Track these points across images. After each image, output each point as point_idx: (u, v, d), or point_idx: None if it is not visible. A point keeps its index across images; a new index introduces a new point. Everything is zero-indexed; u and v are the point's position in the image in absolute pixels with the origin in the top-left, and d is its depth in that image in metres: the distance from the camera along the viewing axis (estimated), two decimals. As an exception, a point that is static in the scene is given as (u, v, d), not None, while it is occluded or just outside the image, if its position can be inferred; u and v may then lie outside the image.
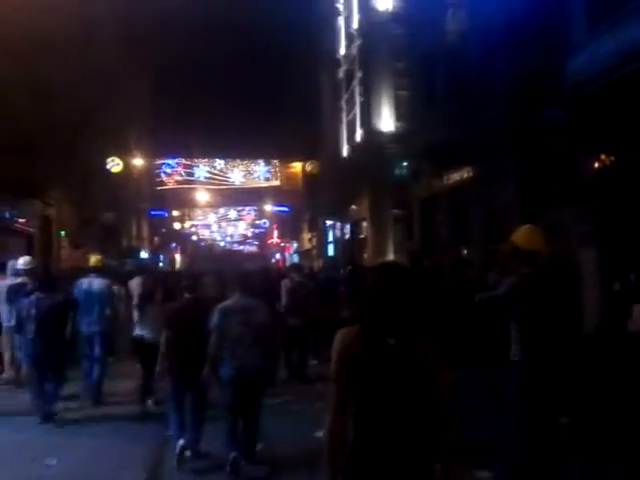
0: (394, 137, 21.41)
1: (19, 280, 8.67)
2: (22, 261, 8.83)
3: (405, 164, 20.14)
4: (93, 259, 9.18)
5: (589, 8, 9.32)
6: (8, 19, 15.54)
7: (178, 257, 59.71)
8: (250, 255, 71.32)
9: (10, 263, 9.15)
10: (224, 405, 5.47)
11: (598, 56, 9.02)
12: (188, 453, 5.54)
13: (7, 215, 16.71)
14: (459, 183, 15.24)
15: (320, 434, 2.91)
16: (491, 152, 13.19)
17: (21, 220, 18.43)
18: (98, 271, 8.78)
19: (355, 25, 24.93)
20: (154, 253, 45.26)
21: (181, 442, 5.52)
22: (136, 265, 13.23)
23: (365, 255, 23.77)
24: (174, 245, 58.37)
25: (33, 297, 7.13)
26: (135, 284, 9.69)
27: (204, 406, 5.70)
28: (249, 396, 5.42)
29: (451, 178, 15.67)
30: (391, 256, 21.03)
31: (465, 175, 14.84)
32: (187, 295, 6.07)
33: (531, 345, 3.96)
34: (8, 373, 8.88)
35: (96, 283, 8.37)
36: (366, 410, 2.27)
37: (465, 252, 15.91)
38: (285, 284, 9.84)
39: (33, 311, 6.95)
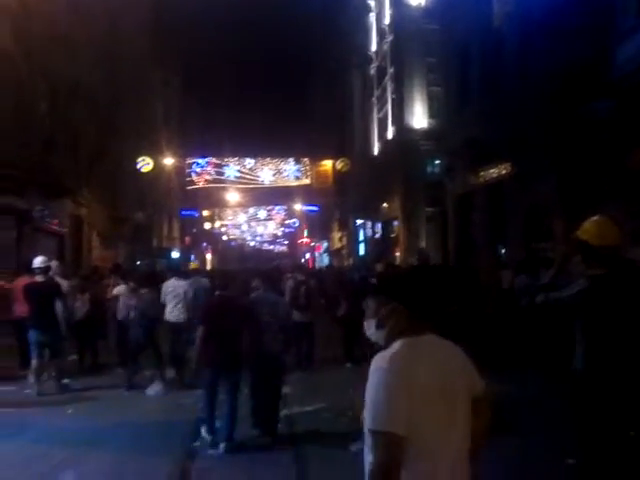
0: (427, 134, 20.95)
1: (37, 279, 8.62)
2: (37, 260, 8.71)
3: (438, 161, 19.67)
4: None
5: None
6: (38, 19, 15.57)
7: (209, 257, 59.98)
8: (279, 255, 71.37)
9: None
10: (253, 385, 6.22)
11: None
12: (221, 447, 5.76)
13: (38, 215, 16.73)
14: (496, 179, 14.72)
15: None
16: (531, 147, 12.68)
17: (53, 220, 18.50)
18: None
19: (387, 21, 24.52)
20: (185, 252, 45.45)
21: (209, 437, 5.91)
22: (167, 265, 13.05)
23: (397, 254, 23.34)
24: (205, 245, 58.61)
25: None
26: (171, 286, 9.33)
27: (237, 395, 6.05)
28: (272, 376, 6.18)
29: (488, 174, 15.16)
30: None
31: (503, 171, 14.32)
32: (218, 293, 6.61)
33: (598, 356, 3.49)
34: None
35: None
36: None
37: (503, 251, 15.39)
38: (288, 282, 10.31)
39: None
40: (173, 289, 9.14)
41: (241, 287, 9.28)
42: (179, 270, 10.33)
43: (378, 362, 2.00)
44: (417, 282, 2.27)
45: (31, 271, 8.80)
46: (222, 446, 5.74)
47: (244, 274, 11.38)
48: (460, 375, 2.07)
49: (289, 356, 6.96)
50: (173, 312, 9.02)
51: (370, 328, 2.23)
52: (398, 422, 1.88)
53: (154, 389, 8.18)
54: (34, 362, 8.29)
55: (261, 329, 6.06)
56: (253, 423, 6.18)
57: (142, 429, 6.44)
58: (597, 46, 9.73)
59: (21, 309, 8.99)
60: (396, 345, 2.04)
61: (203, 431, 6.01)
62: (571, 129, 11.24)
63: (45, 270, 8.55)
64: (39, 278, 8.46)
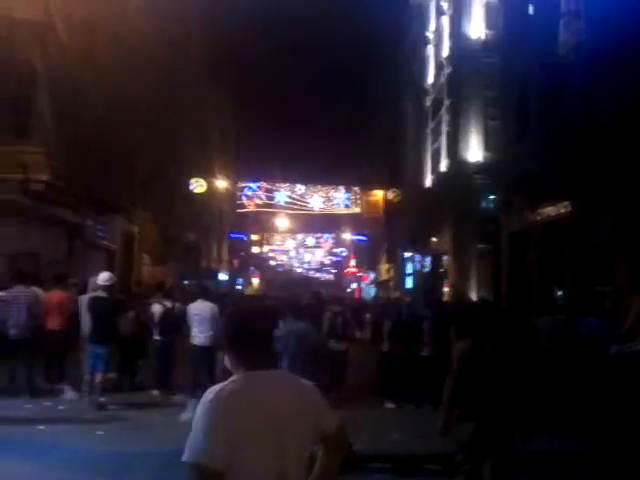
0: (482, 168, 20.47)
1: (100, 294, 8.82)
2: (102, 277, 8.83)
3: (493, 196, 19.14)
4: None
5: None
6: (98, 39, 16.00)
7: (256, 280, 60.23)
8: (325, 283, 71.10)
9: (91, 279, 9.50)
10: None
11: None
12: None
13: (90, 229, 17.00)
14: (555, 217, 14.14)
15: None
16: (592, 184, 12.11)
17: (105, 235, 18.79)
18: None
19: (445, 53, 24.32)
20: (233, 275, 45.72)
21: None
22: (200, 286, 12.86)
23: (445, 290, 22.73)
24: (252, 269, 58.91)
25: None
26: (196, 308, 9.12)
27: None
28: None
29: (545, 212, 14.59)
30: (473, 293, 19.97)
31: (562, 209, 13.74)
32: None
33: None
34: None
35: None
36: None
37: (560, 293, 14.69)
38: (327, 314, 10.63)
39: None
40: (199, 312, 8.92)
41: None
42: (208, 291, 10.03)
43: (206, 395, 2.01)
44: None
45: (62, 284, 8.94)
46: None
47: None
48: (296, 413, 2.04)
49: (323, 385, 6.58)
50: (197, 335, 8.80)
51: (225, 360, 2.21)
52: (213, 455, 1.90)
53: (188, 414, 7.94)
54: (88, 376, 8.39)
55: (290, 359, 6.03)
56: None
57: (173, 459, 6.17)
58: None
59: (53, 322, 9.08)
60: (230, 379, 2.06)
61: None
62: (633, 166, 10.69)
63: (110, 287, 8.74)
64: (102, 294, 8.65)
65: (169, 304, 9.53)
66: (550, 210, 14.43)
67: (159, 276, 21.86)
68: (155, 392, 9.10)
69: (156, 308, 9.62)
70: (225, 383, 2.04)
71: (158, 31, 21.17)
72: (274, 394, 2.04)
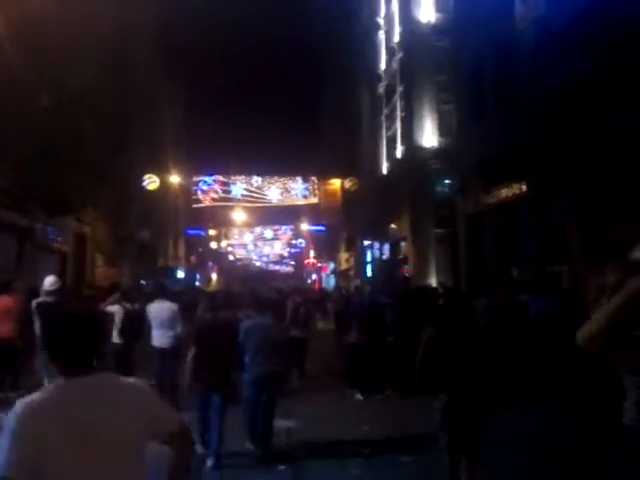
0: (437, 153, 20.56)
1: (47, 299, 8.63)
2: (47, 282, 8.49)
3: (449, 181, 19.25)
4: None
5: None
6: (41, 29, 15.30)
7: (214, 276, 59.57)
8: (285, 275, 70.88)
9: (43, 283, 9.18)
10: (246, 402, 6.50)
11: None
12: (210, 462, 6.09)
13: (40, 232, 16.36)
14: (510, 199, 14.26)
15: None
16: (548, 165, 12.23)
17: (55, 238, 18.13)
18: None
19: (396, 39, 24.28)
20: (191, 272, 45.06)
21: (202, 450, 6.21)
22: (157, 285, 12.49)
23: (407, 276, 22.80)
24: (210, 264, 58.22)
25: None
26: (154, 309, 8.76)
27: (225, 410, 6.32)
28: (266, 395, 6.47)
29: (501, 194, 14.70)
30: (433, 277, 20.10)
31: (517, 191, 13.86)
32: (208, 314, 6.93)
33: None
34: None
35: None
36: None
37: (516, 273, 14.86)
38: (289, 304, 11.29)
39: None
40: (157, 312, 8.61)
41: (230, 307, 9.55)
42: (165, 290, 9.70)
43: (15, 405, 1.98)
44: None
45: (8, 290, 8.58)
46: (210, 461, 6.09)
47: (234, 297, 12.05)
48: (116, 418, 2.03)
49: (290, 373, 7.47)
50: (157, 337, 8.51)
51: None
52: (15, 467, 1.88)
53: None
54: (47, 381, 7.98)
55: (226, 354, 6.34)
56: (249, 439, 6.52)
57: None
58: (627, 53, 9.28)
59: (2, 329, 8.73)
60: (44, 388, 2.06)
61: (197, 447, 6.17)
62: (590, 146, 10.80)
63: (56, 291, 8.48)
64: (49, 299, 8.37)
65: (129, 305, 9.17)
66: (506, 192, 14.54)
67: (113, 277, 21.27)
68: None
69: (115, 309, 9.24)
70: (37, 392, 2.02)
71: (106, 19, 20.46)
72: (89, 402, 2.01)
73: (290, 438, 6.93)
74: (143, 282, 25.72)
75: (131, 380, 2.24)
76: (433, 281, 19.26)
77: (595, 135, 10.56)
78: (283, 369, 6.86)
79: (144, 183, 27.55)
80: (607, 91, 9.63)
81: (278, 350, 6.55)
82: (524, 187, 13.61)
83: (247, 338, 6.43)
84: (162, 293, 9.08)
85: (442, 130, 20.89)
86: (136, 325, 8.88)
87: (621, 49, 9.57)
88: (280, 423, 7.02)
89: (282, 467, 6.03)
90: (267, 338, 6.47)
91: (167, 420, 2.20)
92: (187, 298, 12.00)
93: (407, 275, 22.18)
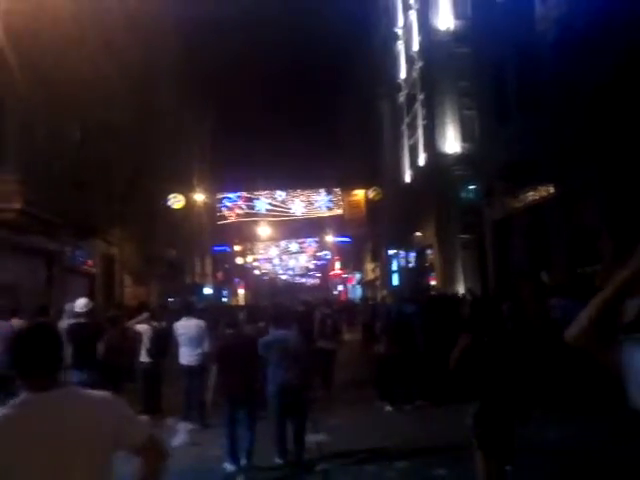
0: (460, 159, 20.38)
1: (80, 320, 8.54)
2: (79, 303, 8.56)
3: (473, 187, 19.05)
4: None
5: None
6: (70, 60, 15.58)
7: (242, 291, 59.76)
8: (311, 288, 70.82)
9: (67, 305, 9.22)
10: (273, 416, 6.50)
11: None
12: (241, 462, 6.27)
13: (69, 255, 16.58)
14: (538, 202, 14.01)
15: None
16: (575, 166, 12.00)
17: (84, 260, 18.35)
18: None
19: (415, 47, 24.24)
20: (218, 288, 45.28)
21: (231, 467, 6.27)
22: (183, 303, 12.52)
23: (432, 284, 22.58)
24: (237, 280, 58.44)
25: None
26: (181, 326, 8.75)
27: (255, 423, 6.44)
28: (293, 406, 6.47)
29: (528, 197, 14.46)
30: (460, 284, 19.85)
31: (545, 193, 13.62)
32: (229, 330, 6.99)
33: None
34: None
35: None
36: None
37: (546, 277, 14.56)
38: (316, 316, 11.62)
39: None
40: (185, 330, 8.58)
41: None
42: (191, 308, 9.66)
43: None
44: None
45: (45, 314, 8.68)
46: (242, 462, 6.25)
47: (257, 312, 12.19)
48: (81, 432, 2.03)
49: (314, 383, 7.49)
50: (185, 355, 8.48)
51: None
52: None
53: (179, 438, 7.63)
54: None
55: (249, 368, 6.44)
56: (278, 453, 6.46)
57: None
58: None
59: None
60: (8, 404, 2.05)
61: (226, 465, 6.29)
62: (619, 144, 10.57)
63: (87, 313, 8.48)
64: (81, 320, 8.39)
65: (157, 324, 9.19)
66: (532, 195, 14.30)
67: (142, 296, 21.45)
68: (144, 417, 8.76)
69: (144, 329, 9.27)
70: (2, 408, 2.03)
71: (131, 42, 20.80)
72: (53, 416, 2.02)
73: (321, 452, 6.82)
74: (171, 300, 25.90)
75: (98, 393, 2.23)
76: (461, 288, 19.02)
77: (623, 133, 10.34)
78: (306, 380, 6.80)
79: (169, 202, 27.83)
80: (631, 90, 9.42)
81: (300, 362, 6.53)
82: (551, 189, 13.37)
83: (268, 351, 6.46)
84: (188, 311, 9.07)
85: (465, 136, 20.71)
86: (163, 343, 8.89)
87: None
88: (310, 437, 6.93)
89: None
90: (287, 350, 6.46)
91: (135, 432, 2.19)
92: (208, 315, 11.94)
93: (430, 284, 21.98)
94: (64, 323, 8.86)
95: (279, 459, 6.43)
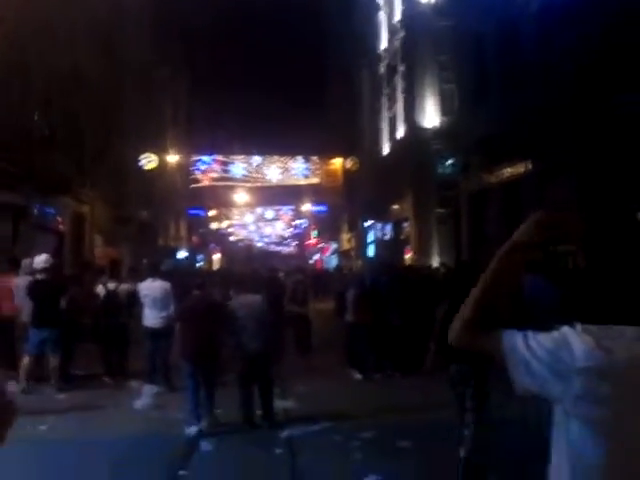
0: (439, 133, 20.30)
1: (38, 277, 8.43)
2: (39, 259, 8.34)
3: (450, 161, 19.04)
4: None
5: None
6: (33, 8, 14.95)
7: (217, 257, 59.41)
8: (287, 256, 70.78)
9: (25, 261, 9.11)
10: (239, 381, 6.62)
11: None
12: (199, 426, 6.28)
13: (37, 212, 16.18)
14: (514, 178, 14.06)
15: None
16: (551, 143, 11.99)
17: (54, 217, 17.96)
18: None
19: (397, 18, 23.88)
20: (193, 252, 44.90)
21: (194, 429, 6.28)
22: (149, 264, 12.34)
23: (407, 256, 22.67)
24: (213, 245, 58.03)
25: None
26: (146, 288, 8.58)
27: (214, 387, 6.55)
28: (258, 372, 6.57)
29: (504, 172, 14.51)
30: (435, 258, 19.94)
31: (521, 169, 13.64)
32: (196, 292, 7.04)
33: None
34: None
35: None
36: None
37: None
38: (288, 282, 12.37)
39: None
40: (149, 291, 8.42)
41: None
42: (156, 269, 9.45)
43: None
44: None
45: (16, 267, 8.42)
46: (203, 424, 6.28)
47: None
48: None
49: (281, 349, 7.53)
50: (149, 317, 8.34)
51: None
52: None
53: (142, 402, 7.55)
54: (27, 360, 7.98)
55: (213, 331, 6.52)
56: (244, 419, 6.53)
57: (127, 450, 5.81)
58: (629, 35, 9.02)
59: (7, 308, 8.59)
60: None
61: (189, 428, 6.29)
62: (595, 124, 10.57)
63: (47, 269, 8.33)
64: (41, 276, 8.25)
65: (111, 285, 9.02)
66: (509, 171, 14.34)
67: (113, 256, 21.16)
68: (107, 379, 8.65)
69: (100, 290, 9.11)
70: None
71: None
72: None
73: (287, 418, 6.82)
74: (144, 262, 25.58)
75: None
76: (435, 261, 19.11)
77: (600, 113, 10.32)
78: (272, 347, 6.81)
79: (141, 162, 27.26)
80: (613, 69, 9.37)
81: (265, 328, 6.56)
82: (527, 166, 13.40)
83: (234, 317, 6.52)
84: (154, 272, 8.89)
85: (444, 110, 20.60)
86: (120, 305, 8.80)
87: (626, 27, 9.30)
88: (277, 403, 6.92)
89: (278, 451, 5.91)
90: (253, 316, 6.51)
91: None
92: (188, 279, 11.83)
93: (405, 256, 22.08)
94: (23, 279, 8.66)
95: (245, 424, 6.46)
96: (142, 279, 9.22)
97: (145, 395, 7.70)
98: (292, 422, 6.69)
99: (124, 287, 9.06)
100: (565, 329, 1.43)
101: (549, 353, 1.41)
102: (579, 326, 1.42)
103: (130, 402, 7.51)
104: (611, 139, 10.28)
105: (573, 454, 1.40)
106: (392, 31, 24.78)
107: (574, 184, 11.78)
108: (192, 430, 6.26)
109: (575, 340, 1.39)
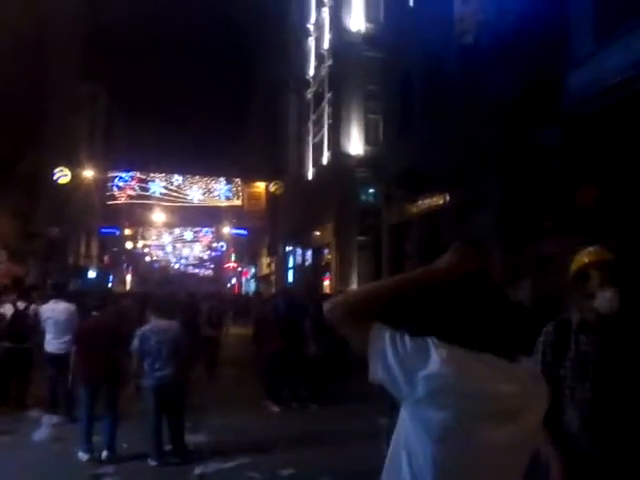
0: (363, 161, 20.55)
1: None
2: None
3: (373, 190, 19.27)
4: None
5: (594, 19, 8.50)
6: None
7: (129, 278, 57.35)
8: (204, 279, 69.44)
9: None
10: (150, 412, 6.09)
11: (602, 72, 8.19)
12: (103, 455, 5.99)
13: None
14: (434, 209, 14.29)
15: None
16: (472, 176, 12.28)
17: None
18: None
19: (326, 46, 24.16)
20: (103, 272, 43.10)
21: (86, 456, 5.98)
22: (54, 284, 11.49)
23: (327, 283, 22.61)
24: (125, 265, 56.01)
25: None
26: (49, 310, 7.90)
27: (115, 409, 6.23)
28: (170, 404, 6.19)
29: (425, 204, 14.73)
30: (355, 284, 19.98)
31: (441, 201, 13.90)
32: (94, 313, 6.65)
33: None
34: None
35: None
36: None
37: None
38: (204, 306, 12.81)
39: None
40: (52, 313, 7.76)
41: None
42: (62, 290, 8.84)
43: None
44: None
45: None
46: (104, 454, 5.94)
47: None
48: None
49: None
50: (51, 341, 7.68)
51: None
52: None
53: (43, 432, 6.91)
54: None
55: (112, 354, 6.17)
56: (154, 454, 6.04)
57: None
58: (549, 72, 9.40)
59: None
60: None
61: (81, 454, 5.99)
62: (514, 158, 10.90)
63: None
64: None
65: (22, 305, 8.29)
66: (429, 202, 14.57)
67: (18, 275, 19.82)
68: (4, 408, 7.89)
69: (7, 309, 8.34)
70: None
71: (26, 13, 19.12)
72: None
73: (200, 454, 6.38)
74: (50, 281, 24.16)
75: None
76: (354, 288, 19.13)
77: (519, 148, 10.66)
78: (186, 376, 6.49)
79: (55, 176, 25.98)
80: (532, 105, 9.72)
81: (180, 355, 6.20)
82: (446, 198, 13.66)
83: (144, 343, 6.08)
84: (58, 293, 8.20)
85: (369, 139, 20.91)
86: (30, 327, 8.04)
87: (544, 68, 9.71)
88: (189, 438, 6.48)
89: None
90: (168, 342, 6.14)
91: None
92: (89, 301, 11.10)
93: (324, 283, 22.02)
94: None
95: (154, 460, 5.95)
96: (44, 300, 8.52)
97: (45, 425, 7.06)
98: (205, 458, 6.25)
99: (34, 308, 8.29)
100: (429, 339, 1.59)
101: (407, 354, 1.57)
102: (436, 340, 1.59)
103: (29, 433, 6.86)
104: (529, 173, 10.61)
105: (410, 452, 1.57)
106: (321, 58, 25.03)
107: (492, 216, 12.07)
108: (83, 457, 5.97)
109: (433, 351, 1.56)
